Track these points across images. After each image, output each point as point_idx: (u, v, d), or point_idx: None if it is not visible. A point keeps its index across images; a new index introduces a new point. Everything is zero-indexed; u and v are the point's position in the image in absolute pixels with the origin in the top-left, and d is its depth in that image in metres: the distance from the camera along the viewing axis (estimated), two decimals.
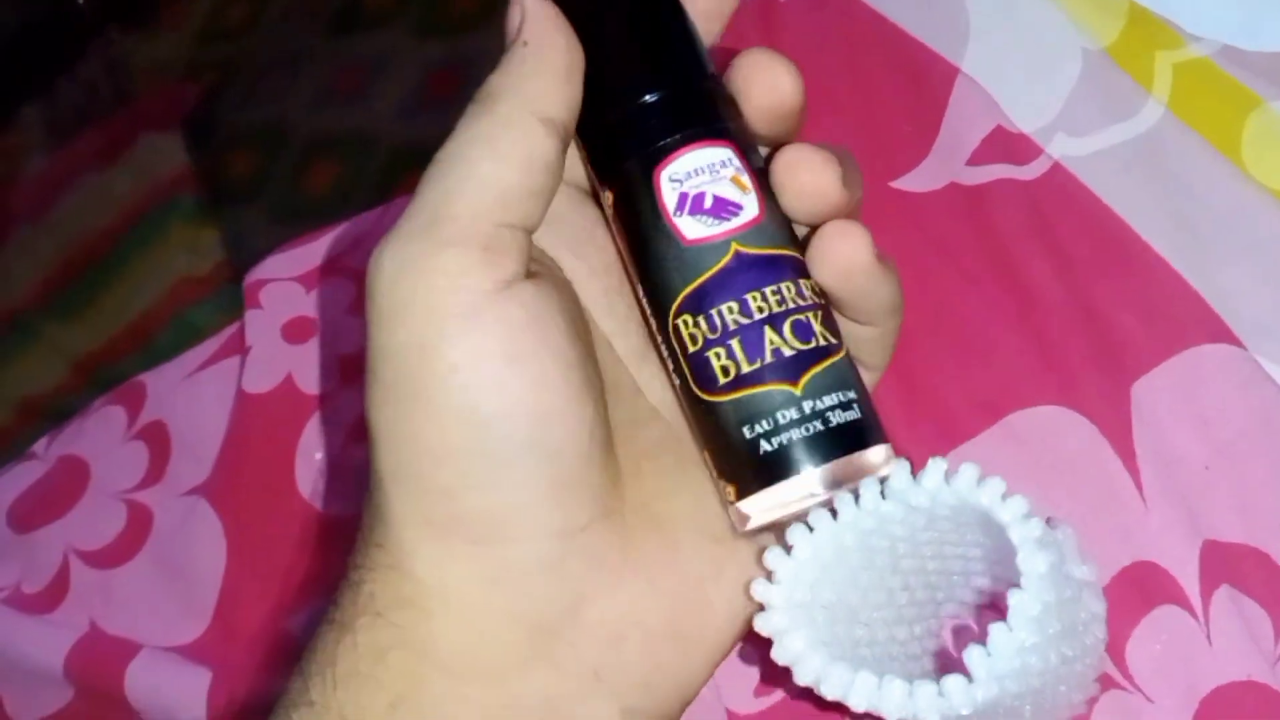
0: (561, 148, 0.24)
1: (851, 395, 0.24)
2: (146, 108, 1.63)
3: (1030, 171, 0.40)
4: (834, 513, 0.24)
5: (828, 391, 0.24)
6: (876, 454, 0.25)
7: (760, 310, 0.24)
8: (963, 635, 0.31)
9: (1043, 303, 0.38)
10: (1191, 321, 0.35)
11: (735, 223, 0.24)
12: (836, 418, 0.24)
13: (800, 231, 0.26)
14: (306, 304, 0.48)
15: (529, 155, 0.23)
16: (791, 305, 0.24)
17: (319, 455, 0.44)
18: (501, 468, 0.22)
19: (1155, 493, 0.33)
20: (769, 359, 0.24)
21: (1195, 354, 0.35)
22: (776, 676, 0.35)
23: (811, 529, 0.24)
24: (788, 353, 0.24)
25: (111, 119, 1.64)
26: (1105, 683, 0.31)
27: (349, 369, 0.46)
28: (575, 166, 0.27)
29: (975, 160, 0.41)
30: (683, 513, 0.26)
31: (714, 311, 0.24)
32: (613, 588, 0.24)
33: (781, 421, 0.24)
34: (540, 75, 0.23)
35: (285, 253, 0.50)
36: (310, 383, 0.46)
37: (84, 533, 0.46)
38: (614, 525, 0.24)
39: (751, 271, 0.24)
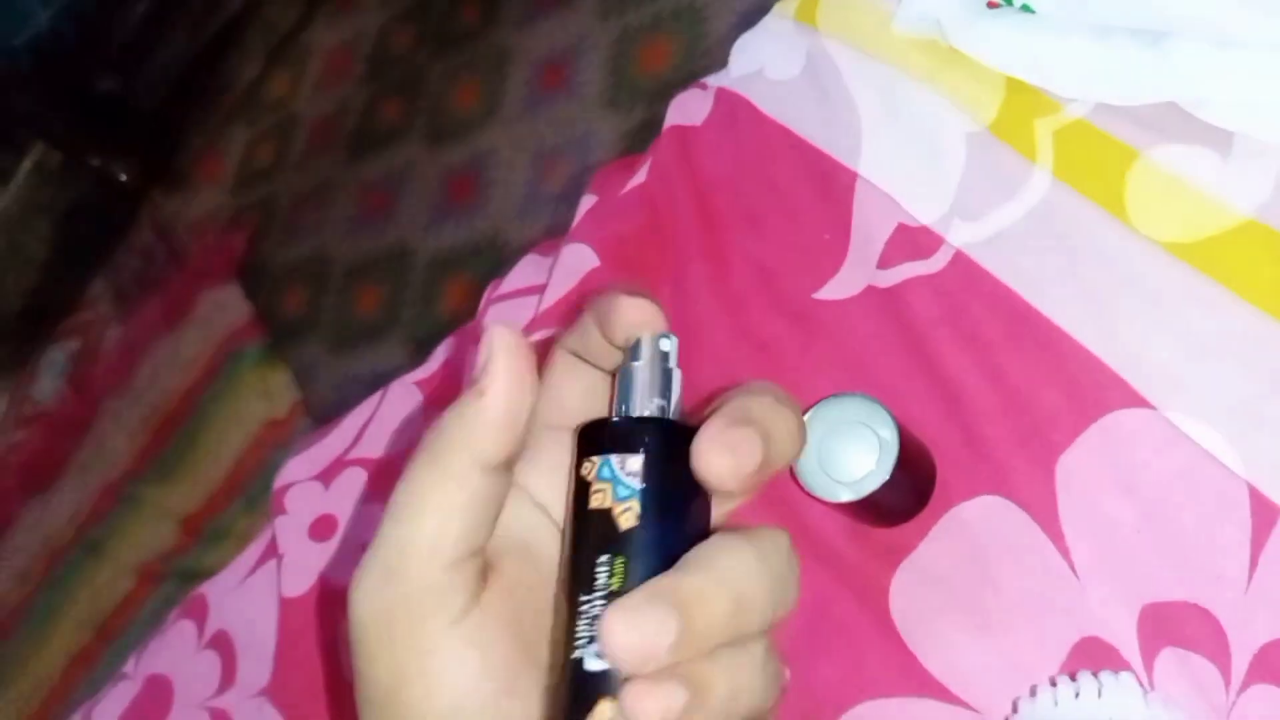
0: (505, 478, 0.27)
1: None
2: (200, 263, 1.73)
3: (934, 264, 0.42)
4: None
5: None
6: None
7: None
8: None
9: (965, 393, 0.40)
10: (1102, 391, 0.37)
11: None
12: None
13: None
14: (327, 500, 0.52)
15: (472, 501, 0.26)
16: None
17: None
18: None
19: (1087, 567, 0.35)
20: None
21: (1111, 421, 0.37)
22: None
23: None
24: None
25: (170, 279, 1.74)
26: None
27: None
28: None
29: (885, 262, 0.43)
30: None
31: None
32: None
33: None
34: (486, 426, 0.26)
35: (302, 454, 0.55)
36: (342, 575, 0.50)
37: None
38: None
39: None
